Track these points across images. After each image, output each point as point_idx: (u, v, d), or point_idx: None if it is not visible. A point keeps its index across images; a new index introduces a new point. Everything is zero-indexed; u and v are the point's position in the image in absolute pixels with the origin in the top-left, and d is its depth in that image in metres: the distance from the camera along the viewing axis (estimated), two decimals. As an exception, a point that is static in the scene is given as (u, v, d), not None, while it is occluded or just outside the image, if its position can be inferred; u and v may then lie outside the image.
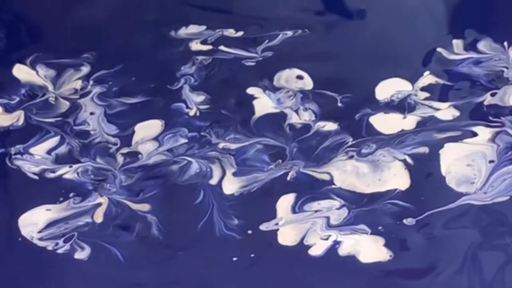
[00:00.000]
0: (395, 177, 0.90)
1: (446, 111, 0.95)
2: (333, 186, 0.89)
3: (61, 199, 0.90)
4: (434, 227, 0.85)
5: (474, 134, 0.93)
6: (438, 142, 0.92)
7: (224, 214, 0.88)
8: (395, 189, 0.89)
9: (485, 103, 0.96)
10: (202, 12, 1.10)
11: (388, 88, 0.98)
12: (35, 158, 0.95)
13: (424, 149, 0.92)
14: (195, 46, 1.05)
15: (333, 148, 0.93)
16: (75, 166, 0.93)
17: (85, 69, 1.04)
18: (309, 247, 0.85)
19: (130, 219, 0.88)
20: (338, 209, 0.88)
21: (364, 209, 0.87)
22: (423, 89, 0.98)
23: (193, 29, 1.07)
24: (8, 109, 1.00)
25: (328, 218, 0.87)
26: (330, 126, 0.95)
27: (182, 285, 0.84)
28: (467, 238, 0.84)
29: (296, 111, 0.97)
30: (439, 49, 1.01)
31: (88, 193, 0.91)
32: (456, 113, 0.95)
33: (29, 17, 1.12)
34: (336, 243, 0.85)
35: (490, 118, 0.94)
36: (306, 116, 0.97)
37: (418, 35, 1.03)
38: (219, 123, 0.96)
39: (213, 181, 0.91)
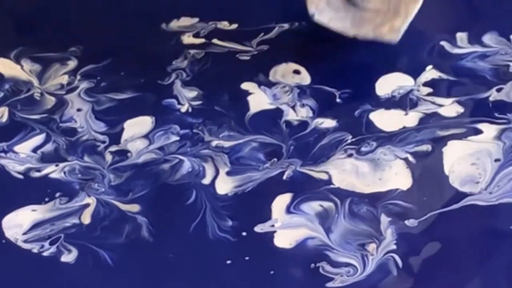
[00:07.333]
0: (396, 176, 0.89)
1: (449, 108, 0.95)
2: (332, 186, 0.89)
3: (47, 199, 0.90)
4: (437, 229, 0.84)
5: (479, 132, 0.92)
6: (441, 139, 0.92)
7: (218, 215, 0.87)
8: (396, 189, 0.88)
9: (491, 99, 0.95)
10: (194, 3, 1.10)
11: (389, 83, 0.98)
12: (20, 157, 0.94)
13: (427, 147, 0.91)
14: (187, 39, 1.05)
15: (332, 146, 0.92)
16: (61, 165, 0.93)
17: (72, 64, 1.04)
18: (306, 250, 0.85)
19: (119, 221, 0.88)
20: (337, 210, 0.88)
21: (364, 210, 0.87)
22: (425, 84, 0.98)
23: (185, 21, 1.07)
24: (-9, 106, 1.01)
25: (326, 219, 0.87)
26: (328, 123, 0.95)
27: (173, 289, 0.84)
28: (471, 240, 0.84)
29: (293, 108, 0.97)
30: (442, 43, 1.02)
31: (75, 193, 0.90)
32: (460, 109, 0.95)
33: (13, 10, 1.12)
34: (335, 245, 0.85)
35: (496, 114, 0.93)
36: (303, 113, 0.96)
37: (420, 28, 1.02)
38: (212, 120, 0.96)
39: (206, 181, 0.90)
